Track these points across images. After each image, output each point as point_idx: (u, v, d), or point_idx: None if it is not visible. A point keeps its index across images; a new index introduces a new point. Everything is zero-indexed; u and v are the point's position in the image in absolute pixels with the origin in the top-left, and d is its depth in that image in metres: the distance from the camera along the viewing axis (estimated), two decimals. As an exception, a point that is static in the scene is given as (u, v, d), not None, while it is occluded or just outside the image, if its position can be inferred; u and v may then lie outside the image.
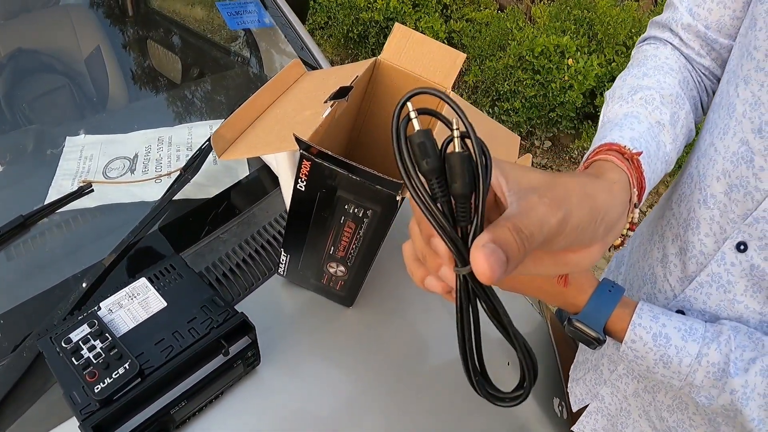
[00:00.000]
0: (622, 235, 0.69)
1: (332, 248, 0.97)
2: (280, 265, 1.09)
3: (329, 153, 0.81)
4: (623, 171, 0.67)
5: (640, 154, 0.71)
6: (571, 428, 1.19)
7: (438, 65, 1.05)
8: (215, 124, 1.42)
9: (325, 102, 0.93)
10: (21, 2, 1.93)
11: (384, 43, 1.06)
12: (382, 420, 1.06)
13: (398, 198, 0.83)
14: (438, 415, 1.11)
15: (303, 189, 0.87)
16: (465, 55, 1.08)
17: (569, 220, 0.51)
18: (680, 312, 0.92)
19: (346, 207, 0.88)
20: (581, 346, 1.24)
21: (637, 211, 0.67)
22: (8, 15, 1.89)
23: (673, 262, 0.93)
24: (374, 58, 1.06)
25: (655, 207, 1.13)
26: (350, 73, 1.02)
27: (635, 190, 0.67)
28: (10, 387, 0.94)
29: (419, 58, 1.05)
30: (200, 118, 1.55)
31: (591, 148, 0.77)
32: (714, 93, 0.98)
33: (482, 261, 0.45)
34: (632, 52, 1.03)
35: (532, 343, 1.32)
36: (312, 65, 1.65)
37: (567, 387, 1.29)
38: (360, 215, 0.89)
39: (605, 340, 0.82)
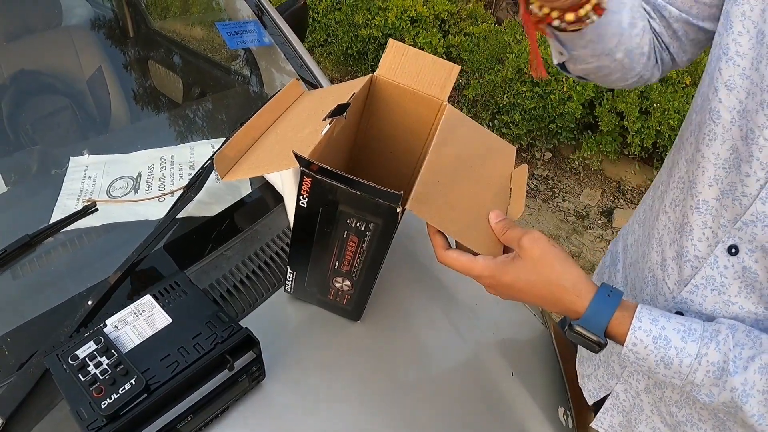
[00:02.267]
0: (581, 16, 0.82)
1: (337, 263, 0.99)
2: (287, 282, 1.10)
3: (329, 168, 0.82)
4: None
5: None
6: (590, 424, 1.20)
7: (434, 78, 1.06)
8: (217, 143, 1.44)
9: (324, 120, 0.95)
10: (23, 24, 1.94)
11: None
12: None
13: (398, 210, 0.84)
14: (442, 428, 1.11)
15: (305, 205, 0.89)
16: (459, 66, 1.09)
17: None
18: (679, 313, 0.93)
19: (348, 221, 0.90)
20: None
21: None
22: (11, 36, 1.91)
23: (670, 265, 0.95)
24: (371, 74, 1.08)
25: (644, 207, 1.15)
26: (348, 90, 1.03)
27: None
28: (17, 404, 0.95)
29: (415, 73, 1.06)
30: (202, 137, 1.56)
31: None
32: (662, 60, 1.04)
33: None
34: None
35: (535, 352, 1.33)
36: (312, 83, 1.67)
37: (570, 394, 1.30)
38: (362, 229, 0.90)
39: (606, 344, 0.83)
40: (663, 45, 1.02)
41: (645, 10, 1.00)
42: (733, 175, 0.82)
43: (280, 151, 0.98)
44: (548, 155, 4.06)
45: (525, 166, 1.09)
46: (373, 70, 1.04)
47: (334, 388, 1.09)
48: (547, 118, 3.72)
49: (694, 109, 0.94)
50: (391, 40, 1.09)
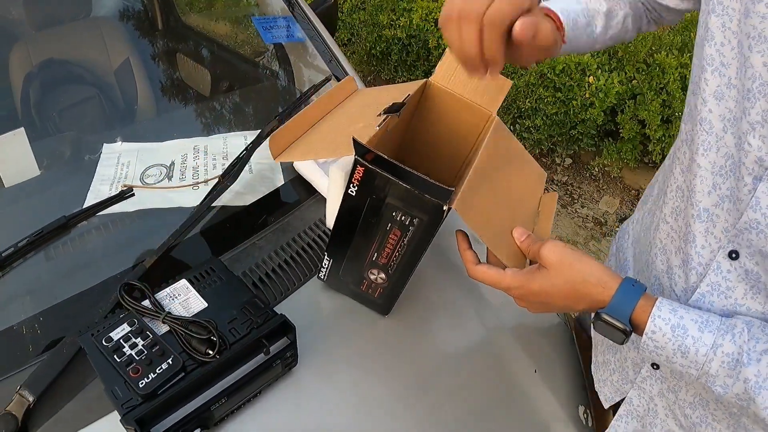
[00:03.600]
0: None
1: (375, 254, 1.00)
2: (322, 269, 1.11)
3: (384, 156, 0.83)
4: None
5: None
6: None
7: (485, 90, 1.09)
8: (251, 135, 1.44)
9: (379, 115, 0.97)
10: (53, 14, 1.96)
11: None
12: (413, 427, 1.08)
13: (444, 208, 0.86)
14: (466, 422, 1.12)
15: (354, 194, 0.90)
16: (512, 81, 1.12)
17: None
18: None
19: (393, 214, 0.91)
20: (597, 347, 1.26)
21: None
22: (40, 26, 1.92)
23: (677, 273, 0.96)
24: (425, 79, 1.10)
25: (642, 214, 1.17)
26: (402, 91, 1.06)
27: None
28: (48, 383, 0.96)
29: (468, 82, 1.09)
30: (231, 129, 1.57)
31: None
32: (655, 22, 1.21)
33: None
34: None
35: (557, 350, 1.34)
36: (340, 78, 1.67)
37: (590, 393, 1.30)
38: (407, 223, 0.91)
39: (631, 332, 0.86)
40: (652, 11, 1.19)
41: None
42: (731, 181, 0.84)
43: (333, 139, 1.00)
44: (568, 161, 4.06)
45: (555, 194, 1.14)
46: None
47: (361, 379, 1.10)
48: (568, 124, 3.71)
49: (684, 120, 0.95)
50: (448, 49, 1.11)
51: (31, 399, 0.93)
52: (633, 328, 0.86)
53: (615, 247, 1.30)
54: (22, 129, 1.34)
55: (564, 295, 0.88)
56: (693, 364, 0.83)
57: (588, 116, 3.57)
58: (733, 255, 0.86)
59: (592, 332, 1.31)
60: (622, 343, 0.87)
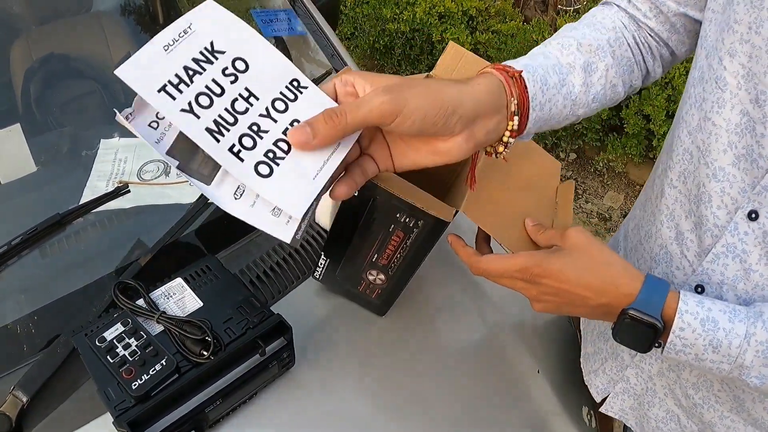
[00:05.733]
0: (504, 142, 0.81)
1: (376, 255, 0.98)
2: (318, 269, 1.09)
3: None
4: (497, 78, 0.79)
5: (520, 72, 0.81)
6: (599, 409, 1.18)
7: None
8: None
9: None
10: (53, 9, 1.94)
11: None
12: (411, 429, 1.06)
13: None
14: (465, 423, 1.10)
15: (356, 193, 0.87)
16: None
17: (403, 104, 0.67)
18: (699, 287, 0.91)
19: (398, 215, 0.89)
20: (586, 337, 1.23)
21: (516, 119, 0.79)
22: (41, 20, 1.90)
23: (689, 237, 0.92)
24: (427, 73, 1.06)
25: (644, 191, 1.13)
26: None
27: (513, 99, 0.79)
28: (42, 383, 0.95)
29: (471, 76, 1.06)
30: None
31: None
32: (661, 56, 1.02)
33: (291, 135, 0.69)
34: None
35: (561, 351, 1.31)
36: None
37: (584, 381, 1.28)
38: (411, 225, 0.89)
39: (662, 329, 0.80)
40: (661, 42, 1.01)
41: (634, 18, 1.00)
42: (748, 138, 0.80)
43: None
44: (573, 156, 4.04)
45: (572, 183, 1.08)
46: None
47: (359, 380, 1.08)
48: (572, 119, 3.69)
49: (692, 84, 0.91)
50: (451, 42, 1.08)
51: (24, 399, 0.93)
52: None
53: (612, 241, 1.26)
54: (18, 125, 1.33)
55: (585, 284, 0.82)
56: (726, 358, 0.78)
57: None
58: (753, 215, 0.82)
59: (581, 324, 1.28)
60: (646, 350, 0.83)
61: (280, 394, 1.01)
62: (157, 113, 0.69)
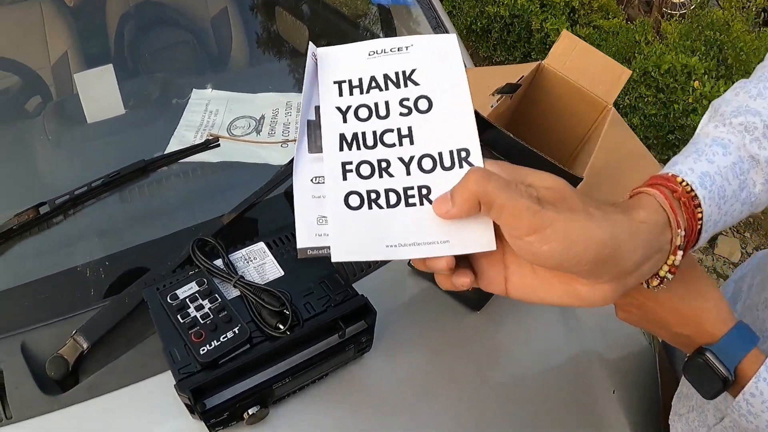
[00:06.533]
0: (660, 276, 0.64)
1: None
2: None
3: (509, 134, 0.75)
4: (662, 210, 0.62)
5: (695, 200, 0.65)
6: None
7: (601, 78, 1.01)
8: None
9: (491, 95, 0.90)
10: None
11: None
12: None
13: None
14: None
15: None
16: (630, 71, 1.03)
17: (548, 222, 0.53)
18: None
19: None
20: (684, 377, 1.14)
21: (680, 254, 0.62)
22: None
23: None
24: (538, 62, 1.03)
25: None
26: (513, 72, 0.99)
27: (680, 231, 0.62)
28: (105, 331, 0.92)
29: (583, 68, 1.02)
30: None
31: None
32: None
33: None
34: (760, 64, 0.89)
35: (637, 371, 1.23)
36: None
37: (662, 423, 1.19)
38: None
39: (732, 383, 0.72)
40: None
41: None
42: None
43: None
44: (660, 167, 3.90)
45: None
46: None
47: (437, 377, 1.01)
48: (666, 127, 3.55)
49: None
50: (564, 31, 1.04)
51: (85, 345, 0.90)
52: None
53: (739, 273, 1.15)
54: (111, 66, 1.31)
55: (672, 308, 0.74)
56: None
57: (688, 122, 3.41)
58: None
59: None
60: (711, 397, 0.74)
61: (351, 379, 0.95)
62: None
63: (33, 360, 0.90)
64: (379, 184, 0.61)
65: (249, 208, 1.05)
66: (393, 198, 0.61)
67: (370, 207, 0.60)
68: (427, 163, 0.62)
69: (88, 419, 0.87)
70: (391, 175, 0.61)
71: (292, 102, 1.37)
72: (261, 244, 0.96)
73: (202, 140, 1.20)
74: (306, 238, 0.61)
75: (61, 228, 1.08)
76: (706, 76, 3.44)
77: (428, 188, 0.61)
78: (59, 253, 1.08)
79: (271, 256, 0.94)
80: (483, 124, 0.75)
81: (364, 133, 0.63)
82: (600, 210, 0.58)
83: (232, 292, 0.88)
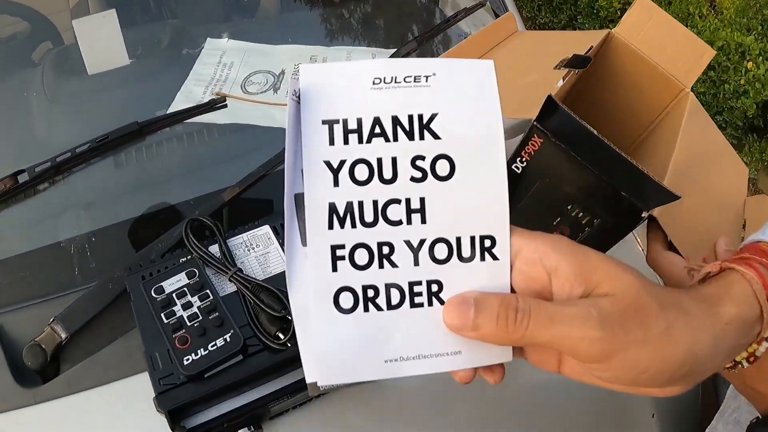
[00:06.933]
0: (736, 362, 0.56)
1: None
2: None
3: (589, 129, 0.60)
4: (757, 303, 0.52)
5: None
6: None
7: (680, 56, 0.89)
8: (380, 53, 1.25)
9: (557, 68, 0.78)
10: None
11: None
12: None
13: (644, 214, 0.64)
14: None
15: (519, 171, 0.67)
16: (714, 51, 0.92)
17: (617, 350, 0.44)
18: None
19: (569, 208, 0.68)
20: (723, 413, 1.05)
21: (765, 345, 0.53)
22: None
23: None
24: (608, 30, 0.91)
25: None
26: (575, 40, 0.88)
27: None
28: (89, 318, 0.84)
29: (660, 42, 0.89)
30: (357, 42, 1.37)
31: (745, 240, 0.58)
32: None
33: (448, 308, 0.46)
34: None
35: (677, 397, 1.13)
36: (494, 8, 1.44)
37: None
38: (583, 223, 0.68)
39: None
40: None
41: None
42: None
43: (504, 95, 0.79)
44: (706, 147, 3.76)
45: (765, 197, 0.93)
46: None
47: (451, 399, 0.90)
48: (715, 108, 3.43)
49: None
50: None
51: (63, 336, 0.82)
52: None
53: None
54: (113, 11, 1.19)
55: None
56: None
57: (738, 105, 3.28)
58: None
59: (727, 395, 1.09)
60: None
61: (361, 396, 0.84)
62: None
63: (10, 345, 0.84)
64: (378, 277, 0.46)
65: (255, 182, 0.92)
66: (396, 296, 0.46)
67: (366, 309, 0.46)
68: (440, 251, 0.47)
69: (65, 418, 0.81)
70: (394, 265, 0.46)
71: (317, 56, 1.25)
72: (266, 228, 0.84)
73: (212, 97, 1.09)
74: (317, 369, 0.46)
75: (42, 199, 1.00)
76: (761, 57, 3.31)
77: (440, 284, 0.47)
78: (40, 227, 1.00)
79: (276, 244, 0.82)
80: (551, 107, 0.60)
81: (361, 204, 0.46)
82: (681, 312, 0.48)
83: (228, 288, 0.78)
